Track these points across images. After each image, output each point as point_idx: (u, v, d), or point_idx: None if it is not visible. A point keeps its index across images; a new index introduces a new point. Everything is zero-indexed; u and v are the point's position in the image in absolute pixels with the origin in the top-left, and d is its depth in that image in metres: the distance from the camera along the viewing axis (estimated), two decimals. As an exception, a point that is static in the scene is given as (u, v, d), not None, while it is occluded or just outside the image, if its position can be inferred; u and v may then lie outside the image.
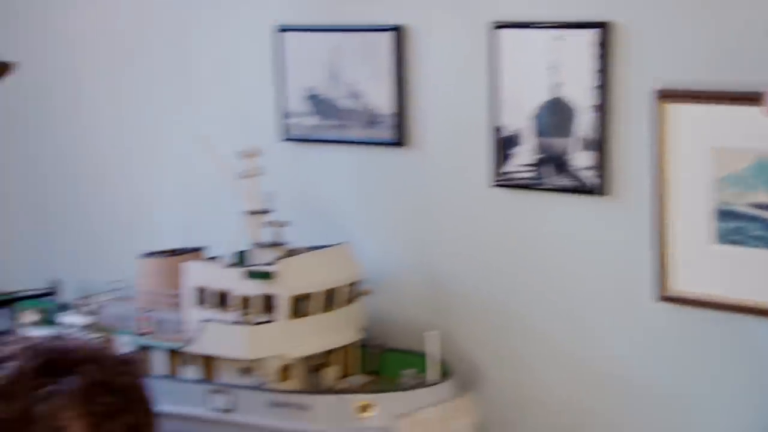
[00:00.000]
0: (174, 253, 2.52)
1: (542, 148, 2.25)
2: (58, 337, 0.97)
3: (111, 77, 2.88)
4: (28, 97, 2.99)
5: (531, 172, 2.27)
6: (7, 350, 0.92)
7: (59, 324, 2.55)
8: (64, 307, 2.69)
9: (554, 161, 2.23)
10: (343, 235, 2.48)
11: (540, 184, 2.25)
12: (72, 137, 2.97)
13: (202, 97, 2.74)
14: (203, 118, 2.72)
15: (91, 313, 2.51)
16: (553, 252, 2.27)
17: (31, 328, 2.61)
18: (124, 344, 2.38)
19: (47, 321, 2.67)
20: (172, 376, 2.32)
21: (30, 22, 2.98)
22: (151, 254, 2.53)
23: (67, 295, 2.80)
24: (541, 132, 2.24)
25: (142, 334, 2.36)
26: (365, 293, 2.45)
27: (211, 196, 2.66)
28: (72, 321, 2.49)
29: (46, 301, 2.82)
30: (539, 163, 2.25)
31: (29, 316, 2.67)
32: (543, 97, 2.23)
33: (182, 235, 2.71)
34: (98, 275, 2.77)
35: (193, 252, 2.51)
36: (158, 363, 2.35)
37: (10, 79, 2.82)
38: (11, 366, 0.89)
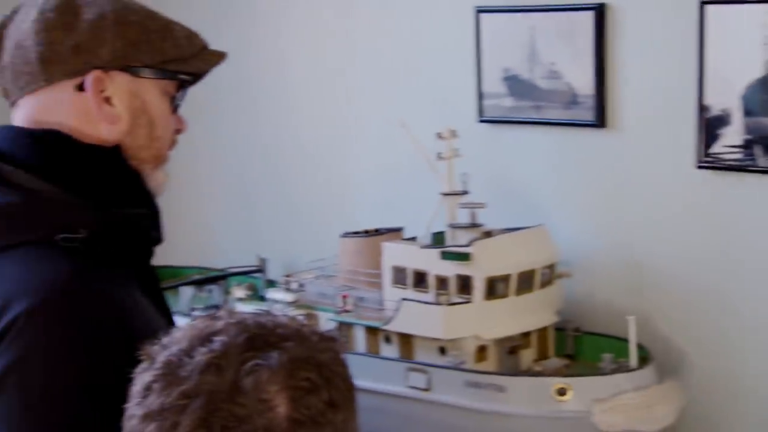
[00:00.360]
0: (374, 232, 2.57)
1: (752, 128, 2.17)
2: (263, 314, 1.01)
3: (313, 60, 2.96)
4: (234, 83, 3.10)
5: (739, 153, 2.19)
6: (216, 326, 0.97)
7: (267, 300, 2.64)
8: (271, 284, 2.80)
9: (765, 142, 2.15)
10: (540, 217, 2.46)
11: (749, 166, 2.17)
12: (276, 121, 3.07)
13: (401, 79, 2.77)
14: (401, 100, 2.76)
15: (295, 290, 2.59)
16: (759, 235, 2.19)
17: (240, 304, 2.73)
18: (326, 321, 2.45)
19: (256, 297, 2.78)
20: (371, 353, 2.37)
21: (237, 10, 3.09)
22: (352, 234, 2.59)
23: (274, 273, 2.90)
24: (751, 111, 2.16)
25: (343, 312, 2.42)
26: (563, 276, 2.43)
27: (409, 178, 2.70)
28: (278, 297, 2.58)
29: (255, 277, 2.93)
30: (748, 144, 2.17)
31: (239, 291, 2.79)
32: (754, 74, 2.14)
33: (382, 215, 2.76)
34: (303, 254, 2.85)
35: (392, 232, 2.56)
36: (358, 340, 2.41)
37: (218, 68, 2.94)
38: (219, 340, 0.94)
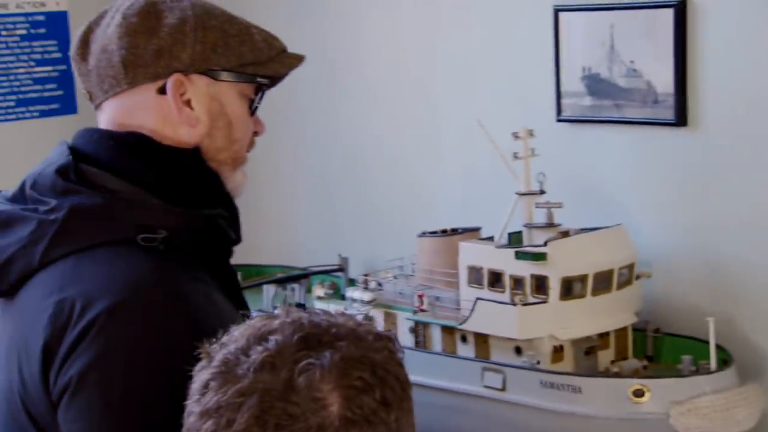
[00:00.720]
0: (451, 232, 2.58)
1: (835, 126, 2.12)
2: (319, 313, 1.03)
3: (393, 61, 2.97)
4: (316, 84, 3.14)
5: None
6: (272, 325, 0.99)
7: (346, 299, 2.67)
8: (352, 283, 2.82)
9: None
10: (620, 217, 2.44)
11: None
12: (357, 121, 3.09)
13: (479, 79, 2.77)
14: (480, 100, 2.76)
15: (373, 289, 2.61)
16: None
17: (320, 303, 2.76)
18: (402, 321, 2.47)
19: (336, 296, 2.81)
20: (448, 353, 2.38)
21: (319, 12, 3.12)
22: (429, 233, 2.60)
23: (354, 272, 2.92)
24: (833, 109, 2.11)
25: (419, 311, 2.43)
26: (643, 276, 2.40)
27: (489, 177, 2.69)
28: (356, 296, 2.60)
29: (336, 276, 2.96)
30: (831, 142, 2.12)
31: (319, 290, 2.82)
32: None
33: (463, 215, 2.76)
34: (383, 253, 2.87)
35: (470, 232, 2.56)
36: (435, 340, 2.42)
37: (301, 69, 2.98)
38: (275, 339, 0.96)
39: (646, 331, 2.42)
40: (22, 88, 3.21)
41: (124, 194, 1.73)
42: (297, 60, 1.86)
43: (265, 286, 2.89)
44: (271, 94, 3.33)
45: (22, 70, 3.22)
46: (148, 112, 1.76)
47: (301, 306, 2.83)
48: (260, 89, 1.81)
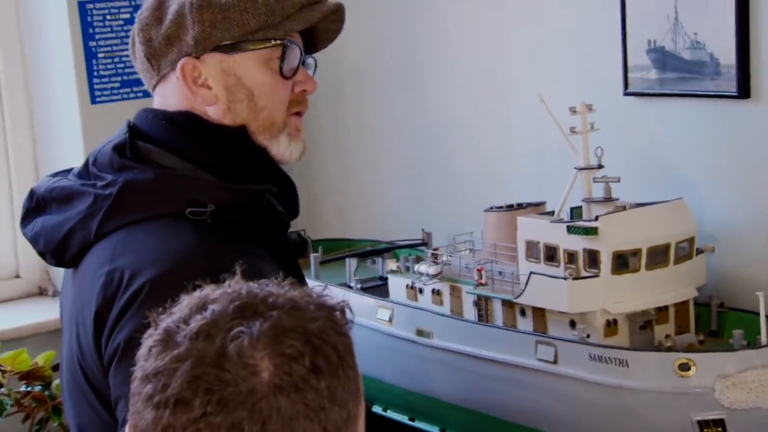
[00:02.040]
0: (516, 207, 2.60)
1: None
2: (266, 284, 1.10)
3: (471, 41, 3.00)
4: (405, 67, 3.20)
5: None
6: (213, 295, 1.07)
7: (416, 272, 2.73)
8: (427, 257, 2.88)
9: None
10: (684, 191, 2.42)
11: None
12: (439, 101, 3.14)
13: (549, 54, 2.78)
14: (549, 75, 2.77)
15: (442, 263, 2.66)
16: None
17: (392, 276, 2.82)
18: (465, 294, 2.51)
19: (407, 269, 2.86)
20: (507, 326, 2.42)
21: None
22: (495, 208, 2.63)
23: (437, 245, 2.98)
24: None
25: (479, 285, 2.48)
26: (706, 250, 2.39)
27: (556, 152, 2.70)
28: (424, 270, 2.66)
29: (420, 250, 3.01)
30: None
31: (392, 264, 2.88)
32: None
33: (534, 190, 2.79)
34: (463, 227, 2.92)
35: (534, 206, 2.59)
36: (496, 313, 2.46)
37: (384, 46, 3.05)
38: (211, 309, 1.04)
39: (710, 305, 2.40)
40: (126, 70, 3.38)
41: (176, 170, 1.82)
42: (319, 12, 1.85)
43: (347, 260, 2.96)
44: (364, 76, 3.42)
45: (126, 53, 3.38)
46: (178, 98, 1.85)
47: (383, 279, 2.91)
48: (284, 50, 1.83)
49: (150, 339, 1.04)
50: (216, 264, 1.75)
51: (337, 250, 3.14)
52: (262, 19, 1.80)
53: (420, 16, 3.11)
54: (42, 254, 1.91)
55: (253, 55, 1.82)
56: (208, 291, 1.07)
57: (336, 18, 1.88)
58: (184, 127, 1.87)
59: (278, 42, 1.81)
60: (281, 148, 1.91)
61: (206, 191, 1.81)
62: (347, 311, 1.11)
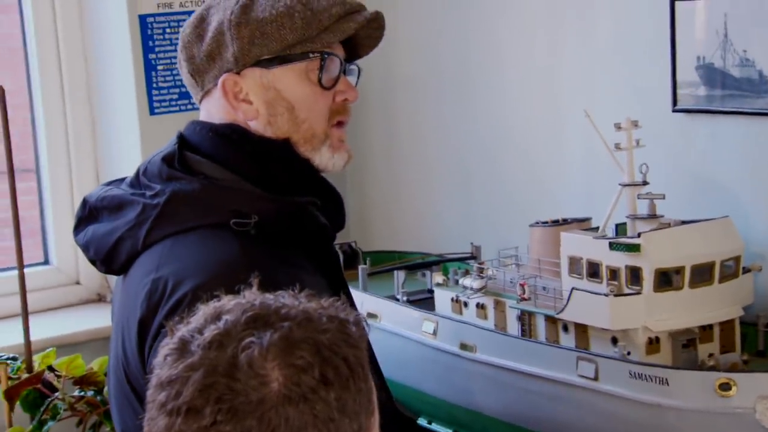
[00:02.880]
0: (562, 222, 2.60)
1: None
2: (281, 296, 1.12)
3: (523, 56, 3.01)
4: (456, 80, 3.22)
5: None
6: (228, 305, 1.09)
7: (460, 286, 2.74)
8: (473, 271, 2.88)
9: None
10: (731, 209, 2.40)
11: None
12: (490, 115, 3.15)
13: (598, 70, 2.77)
14: (599, 91, 2.76)
15: (486, 277, 2.67)
16: None
17: (438, 289, 2.83)
18: (509, 308, 2.51)
19: (455, 283, 2.87)
20: (550, 341, 2.41)
21: (461, 12, 3.19)
22: (541, 223, 2.63)
23: (486, 259, 2.98)
24: None
25: (522, 300, 2.48)
26: (753, 269, 2.36)
27: (603, 168, 2.69)
28: (469, 284, 2.67)
29: (468, 264, 3.02)
30: None
31: (438, 277, 2.89)
32: None
33: (581, 205, 2.78)
34: (512, 242, 2.91)
35: (579, 222, 2.58)
36: (539, 328, 2.46)
37: (436, 57, 3.07)
38: (225, 319, 1.07)
39: (757, 325, 2.37)
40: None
41: (222, 181, 1.86)
42: (356, 23, 1.87)
43: (396, 272, 2.98)
44: (416, 87, 3.43)
45: (184, 65, 3.45)
46: (222, 112, 1.89)
47: (431, 292, 2.92)
48: (323, 61, 1.85)
49: (166, 348, 1.07)
50: (258, 274, 1.78)
51: (386, 262, 3.16)
52: (299, 33, 1.83)
53: (472, 27, 3.12)
54: (93, 261, 1.96)
55: (293, 68, 1.85)
56: (224, 301, 1.10)
57: (376, 26, 1.91)
58: (231, 139, 1.90)
59: (316, 54, 1.84)
60: (324, 159, 1.94)
61: (250, 203, 1.84)
62: (363, 324, 1.12)
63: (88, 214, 1.99)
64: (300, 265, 1.88)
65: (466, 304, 2.66)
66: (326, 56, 1.86)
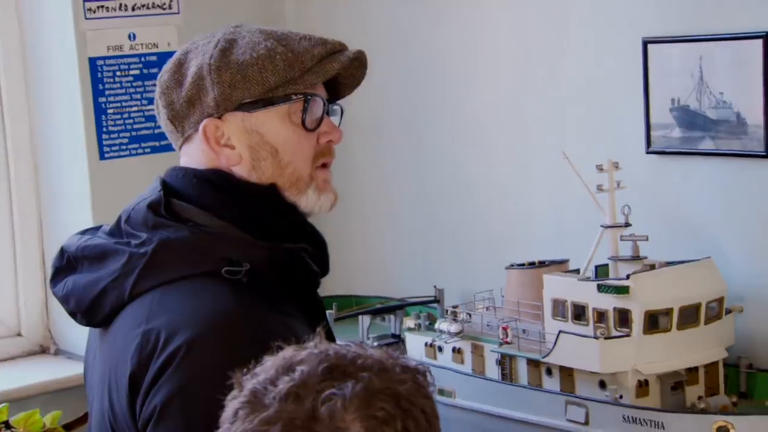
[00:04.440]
0: (539, 264, 2.58)
1: None
2: (347, 345, 1.07)
3: (487, 94, 3.00)
4: (412, 118, 3.19)
5: None
6: (300, 356, 1.03)
7: (435, 330, 2.69)
8: (445, 315, 2.84)
9: None
10: (710, 250, 2.41)
11: None
12: (452, 155, 3.13)
13: (569, 111, 2.78)
14: (570, 132, 2.76)
15: (462, 320, 2.63)
16: None
17: (410, 334, 2.79)
18: (489, 352, 2.48)
19: (428, 327, 2.83)
20: (533, 386, 2.38)
21: (409, 38, 3.17)
22: (517, 266, 2.61)
23: (450, 303, 2.94)
24: None
25: (504, 344, 2.44)
26: (734, 310, 2.37)
27: (577, 209, 2.69)
28: (444, 328, 2.63)
29: (432, 307, 2.98)
30: None
31: (409, 321, 2.85)
32: None
33: (553, 247, 2.76)
34: (478, 285, 2.89)
35: (557, 264, 2.56)
36: (521, 373, 2.42)
37: (396, 99, 3.05)
38: (300, 370, 1.00)
39: (739, 366, 2.37)
40: (135, 126, 3.36)
41: (211, 228, 1.79)
42: (338, 63, 1.82)
43: (360, 317, 2.93)
44: (375, 130, 3.39)
45: (135, 109, 3.36)
46: (204, 158, 1.83)
47: (395, 337, 2.88)
48: (306, 103, 1.81)
49: (235, 401, 1.00)
50: (253, 324, 1.71)
51: (346, 308, 3.11)
52: (281, 75, 1.78)
53: (437, 66, 3.11)
54: (72, 314, 1.87)
55: (275, 111, 1.81)
56: (292, 352, 1.04)
57: (358, 65, 1.88)
58: (216, 185, 1.84)
59: (299, 96, 1.80)
60: (310, 202, 1.90)
61: (242, 250, 1.78)
62: (430, 374, 1.08)
63: (67, 264, 1.90)
64: (290, 313, 1.82)
65: (441, 349, 2.61)
66: (309, 98, 1.82)
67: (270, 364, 1.04)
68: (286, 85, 1.79)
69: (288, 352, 1.06)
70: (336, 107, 1.94)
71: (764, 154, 2.35)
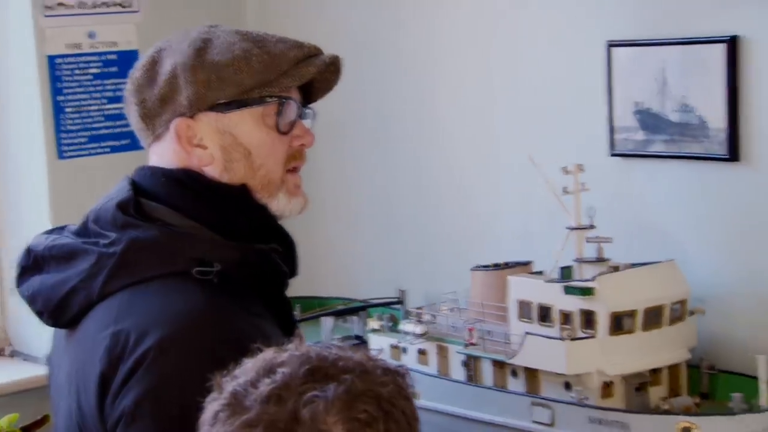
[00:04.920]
0: (503, 266, 2.59)
1: None
2: (329, 346, 1.06)
3: (453, 95, 3.00)
4: (377, 118, 3.19)
5: None
6: (281, 358, 1.02)
7: (399, 332, 2.69)
8: (408, 316, 2.84)
9: None
10: (673, 252, 2.43)
11: None
12: (417, 156, 3.13)
13: (534, 114, 2.79)
14: (536, 134, 2.78)
15: (426, 322, 2.63)
16: None
17: (375, 335, 2.78)
18: (454, 354, 2.48)
19: (391, 329, 2.83)
20: (498, 387, 2.39)
21: (374, 39, 3.17)
22: (483, 267, 2.61)
23: (413, 304, 2.95)
24: None
25: (470, 345, 2.45)
26: (696, 312, 2.39)
27: (543, 211, 2.70)
28: (409, 329, 2.63)
29: (395, 309, 2.98)
30: None
31: (374, 323, 2.84)
32: None
33: (518, 249, 2.77)
34: (443, 286, 2.89)
35: (522, 266, 2.57)
36: (486, 374, 2.43)
37: (362, 101, 3.05)
38: (282, 372, 1.00)
39: (700, 367, 2.40)
40: (95, 125, 3.32)
41: (181, 228, 1.77)
42: (313, 68, 1.80)
43: (323, 319, 2.92)
44: (339, 130, 3.38)
45: (94, 108, 3.32)
46: (175, 157, 1.80)
47: (357, 338, 2.87)
48: (281, 106, 1.81)
49: (215, 403, 0.99)
50: (224, 325, 1.69)
51: (309, 309, 3.10)
52: (257, 78, 1.76)
53: (401, 73, 3.11)
54: (39, 314, 1.83)
55: (249, 113, 1.78)
56: (273, 354, 1.03)
57: (333, 69, 1.86)
58: (186, 185, 1.82)
59: (274, 99, 1.79)
60: (281, 205, 1.88)
61: (212, 250, 1.76)
62: (408, 376, 1.07)
63: (33, 264, 1.86)
64: (260, 314, 1.81)
65: (405, 350, 2.61)
66: (284, 101, 1.80)
67: (250, 366, 1.03)
68: (261, 88, 1.78)
69: (268, 354, 1.05)
70: (309, 111, 1.92)
71: (726, 157, 2.38)
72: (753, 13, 2.31)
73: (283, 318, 1.87)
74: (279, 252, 1.83)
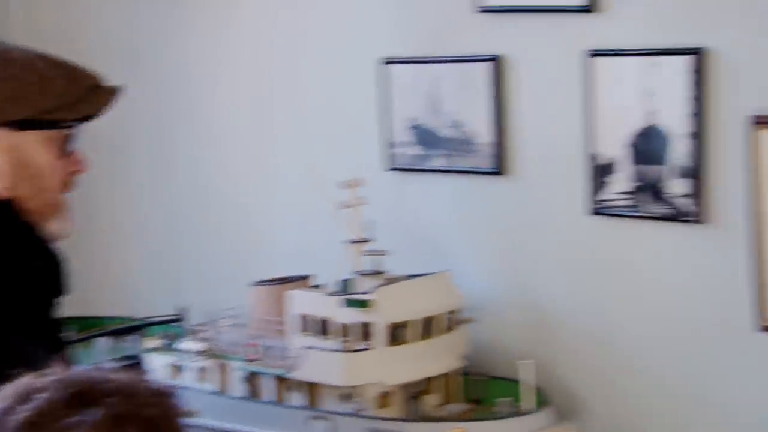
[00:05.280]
0: (283, 281, 2.60)
1: (638, 176, 2.24)
2: (93, 369, 1.04)
3: (229, 109, 2.99)
4: (153, 131, 3.14)
5: (627, 200, 2.26)
6: (40, 383, 0.99)
7: (178, 350, 2.65)
8: (188, 333, 2.80)
9: (650, 189, 2.22)
10: (445, 263, 2.51)
11: (636, 212, 2.24)
12: (196, 171, 3.10)
13: (313, 129, 2.82)
14: (312, 149, 2.80)
15: (206, 339, 2.61)
16: (651, 280, 2.25)
17: (154, 354, 2.73)
18: (236, 370, 2.47)
19: (169, 347, 2.78)
20: (279, 402, 2.39)
21: (148, 50, 3.12)
22: (262, 282, 2.61)
23: (194, 321, 2.91)
24: (637, 160, 2.23)
25: (251, 361, 2.45)
26: (467, 321, 2.47)
27: (319, 225, 2.73)
28: (188, 347, 2.60)
29: (174, 327, 2.93)
30: (635, 191, 2.24)
31: (152, 342, 2.79)
32: (638, 124, 2.22)
33: (300, 263, 2.78)
34: (224, 302, 2.87)
35: (301, 280, 2.59)
36: (267, 389, 2.43)
37: (133, 118, 2.99)
38: (40, 398, 0.97)
39: (472, 374, 2.48)
40: None
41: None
42: (107, 96, 1.81)
43: (99, 339, 2.85)
44: (108, 144, 3.28)
45: None
46: None
47: (134, 358, 2.80)
48: (71, 131, 1.79)
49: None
50: None
51: (87, 329, 3.01)
52: (56, 101, 1.75)
53: (177, 84, 3.07)
54: None
55: (42, 135, 1.77)
56: (31, 379, 1.00)
57: (114, 98, 1.89)
58: None
59: (67, 124, 1.79)
60: (57, 227, 1.87)
61: None
62: (176, 396, 1.06)
63: None
64: (26, 334, 1.76)
65: (181, 369, 2.58)
66: (73, 126, 1.81)
67: (9, 392, 0.99)
68: (58, 111, 1.77)
69: (26, 379, 1.01)
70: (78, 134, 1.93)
71: (494, 170, 2.48)
72: (514, 32, 2.42)
73: (52, 340, 1.83)
74: (42, 270, 1.80)
